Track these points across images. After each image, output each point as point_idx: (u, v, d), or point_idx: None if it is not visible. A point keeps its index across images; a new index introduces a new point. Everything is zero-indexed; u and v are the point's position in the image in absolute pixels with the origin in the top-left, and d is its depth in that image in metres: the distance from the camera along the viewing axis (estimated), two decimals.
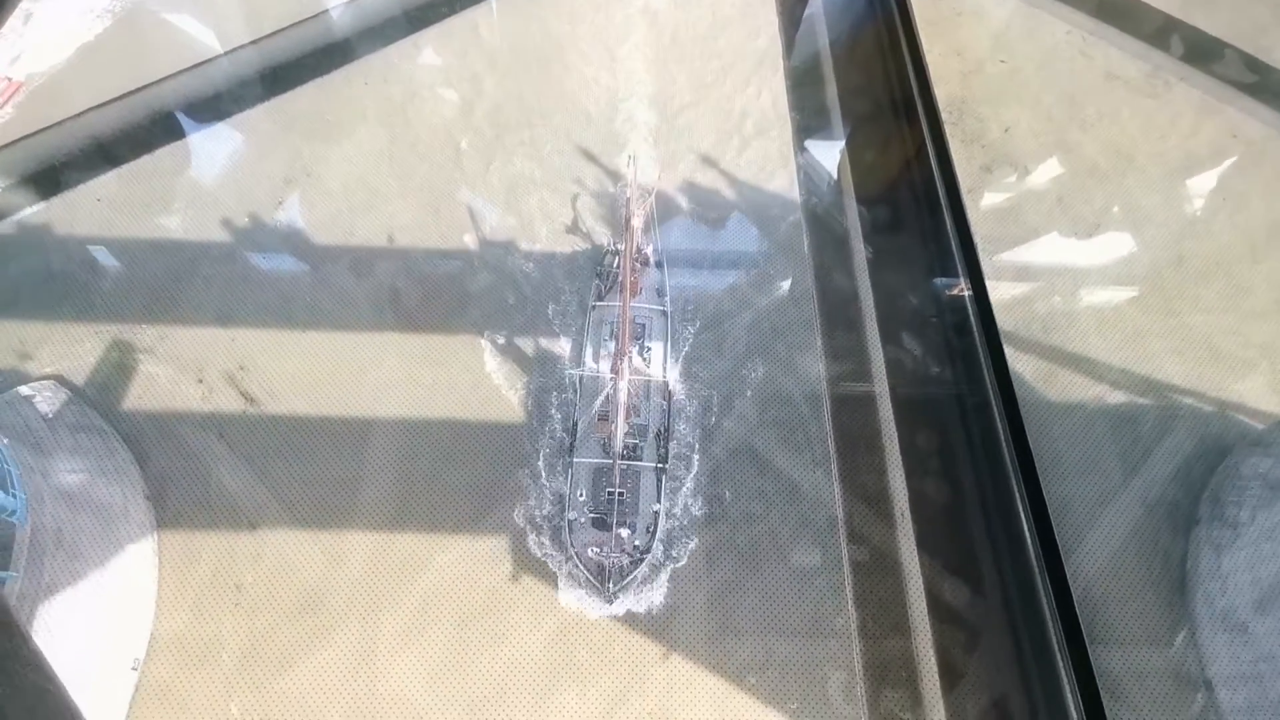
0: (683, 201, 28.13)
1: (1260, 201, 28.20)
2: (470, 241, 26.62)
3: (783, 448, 22.68)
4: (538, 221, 27.24)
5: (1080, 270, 26.50)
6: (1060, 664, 18.96)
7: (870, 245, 27.00)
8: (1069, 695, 18.58)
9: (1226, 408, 23.10)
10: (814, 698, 19.18)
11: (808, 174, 28.93)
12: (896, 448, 22.69)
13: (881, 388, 23.97)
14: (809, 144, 29.82)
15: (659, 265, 25.19)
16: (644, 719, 18.87)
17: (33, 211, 26.65)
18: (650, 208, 25.70)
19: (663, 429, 22.05)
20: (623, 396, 20.13)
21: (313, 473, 21.86)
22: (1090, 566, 20.64)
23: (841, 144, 30.32)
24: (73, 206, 26.86)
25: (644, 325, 23.89)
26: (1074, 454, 22.37)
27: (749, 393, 23.63)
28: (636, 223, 23.80)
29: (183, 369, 23.42)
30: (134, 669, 18.96)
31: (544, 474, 21.94)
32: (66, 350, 23.48)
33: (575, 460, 21.33)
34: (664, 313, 24.42)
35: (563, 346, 24.35)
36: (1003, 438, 22.15)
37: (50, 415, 21.68)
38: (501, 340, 24.39)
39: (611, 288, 24.24)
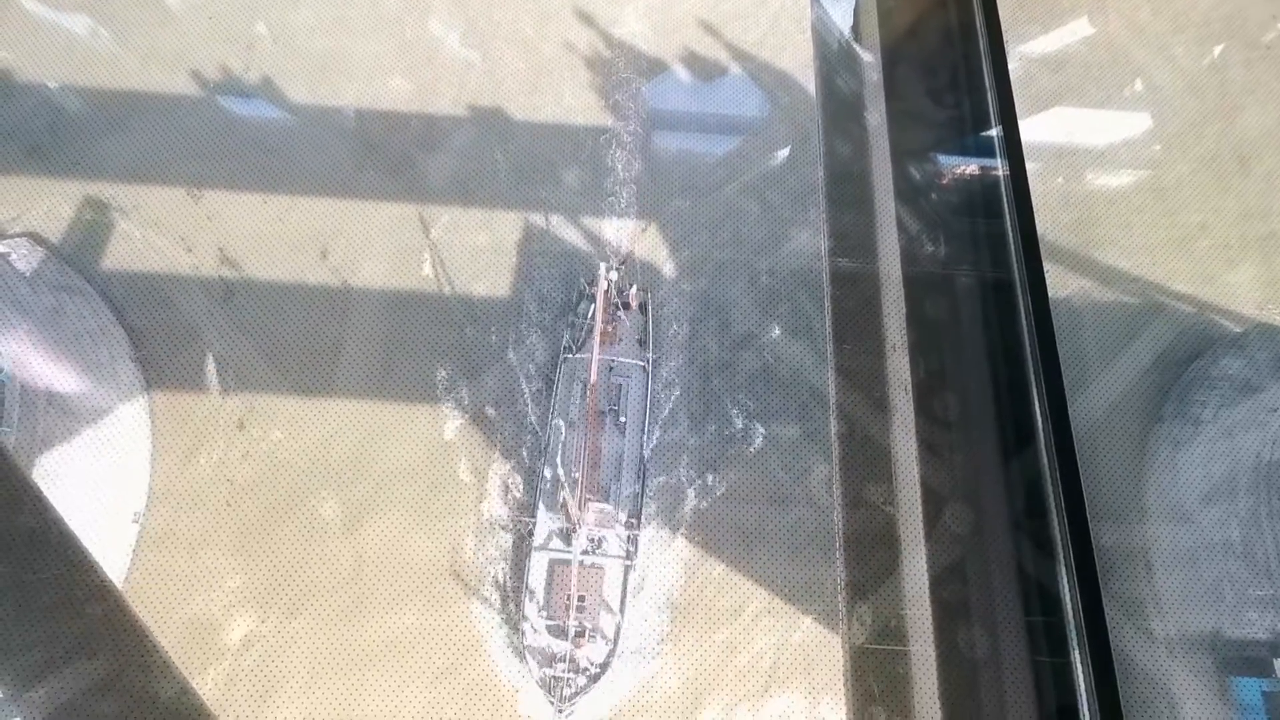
0: (681, 59, 26.55)
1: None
2: (455, 102, 25.45)
3: (779, 326, 22.78)
4: (524, 80, 25.92)
5: (1090, 148, 25.46)
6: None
7: (891, 106, 25.35)
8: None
9: (1207, 309, 23.17)
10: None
11: (821, 26, 26.84)
12: (899, 324, 22.38)
13: (891, 265, 23.30)
14: None
15: (642, 309, 22.16)
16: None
17: None
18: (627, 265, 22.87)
19: (633, 514, 19.96)
20: (581, 551, 18.58)
21: (297, 334, 22.02)
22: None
23: None
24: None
25: (620, 385, 21.04)
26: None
27: (742, 267, 23.42)
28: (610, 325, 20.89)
29: (162, 230, 22.92)
30: (135, 521, 19.88)
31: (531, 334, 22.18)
32: (31, 206, 22.75)
33: (534, 549, 19.53)
34: (644, 368, 21.32)
35: (548, 219, 23.83)
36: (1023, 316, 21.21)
37: (28, 274, 21.41)
38: (488, 203, 23.85)
39: (586, 339, 21.22)
